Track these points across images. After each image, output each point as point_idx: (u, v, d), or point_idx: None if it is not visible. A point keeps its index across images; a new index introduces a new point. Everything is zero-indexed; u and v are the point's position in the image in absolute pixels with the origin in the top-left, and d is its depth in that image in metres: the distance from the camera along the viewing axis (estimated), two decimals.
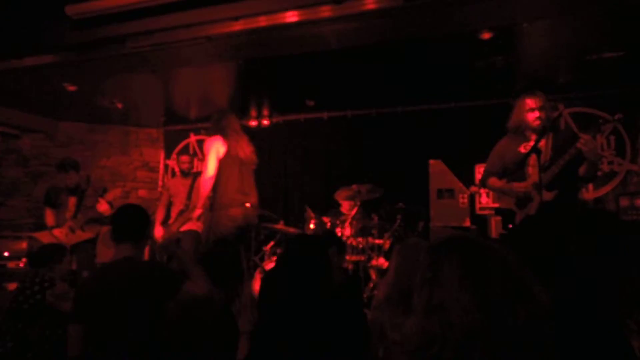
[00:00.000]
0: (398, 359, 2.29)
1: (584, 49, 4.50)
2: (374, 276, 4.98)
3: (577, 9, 3.71)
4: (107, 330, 2.27)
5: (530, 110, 3.58)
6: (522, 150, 3.58)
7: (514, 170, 3.57)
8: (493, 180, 3.79)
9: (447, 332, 0.99)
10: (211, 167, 4.45)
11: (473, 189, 5.42)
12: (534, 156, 3.34)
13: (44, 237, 4.77)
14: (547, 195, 3.30)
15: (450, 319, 1.00)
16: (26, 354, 3.03)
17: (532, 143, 3.48)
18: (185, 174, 5.70)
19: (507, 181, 3.67)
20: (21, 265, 5.57)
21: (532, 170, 3.46)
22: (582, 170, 3.29)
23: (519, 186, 3.53)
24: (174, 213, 5.47)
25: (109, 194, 5.10)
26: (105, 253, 5.85)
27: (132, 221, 2.53)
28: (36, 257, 3.46)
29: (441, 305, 1.02)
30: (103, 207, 4.98)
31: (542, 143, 3.44)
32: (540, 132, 3.53)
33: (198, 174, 6.36)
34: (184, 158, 5.82)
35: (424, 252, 1.18)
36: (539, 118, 3.54)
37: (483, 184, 3.92)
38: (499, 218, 4.55)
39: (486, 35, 4.16)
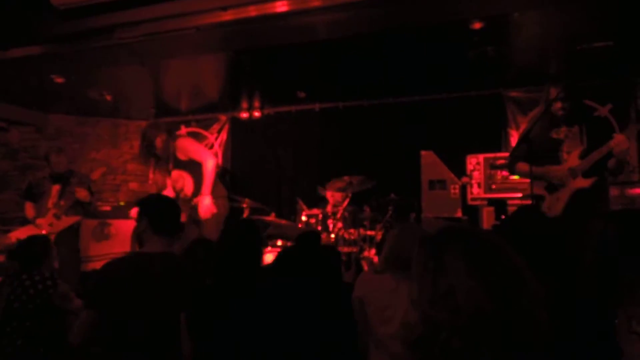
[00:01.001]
0: (391, 352, 2.30)
1: (574, 38, 4.50)
2: (366, 267, 4.98)
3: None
4: (126, 322, 2.19)
5: (555, 100, 3.58)
6: (554, 135, 3.61)
7: (542, 155, 3.59)
8: (522, 165, 3.75)
9: (455, 319, 1.01)
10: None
11: (464, 179, 5.43)
12: (567, 142, 3.43)
13: (24, 233, 4.64)
14: (582, 182, 3.37)
15: (458, 306, 1.01)
16: (37, 349, 3.01)
17: (564, 128, 3.54)
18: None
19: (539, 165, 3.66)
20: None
21: (566, 156, 3.52)
22: (610, 163, 3.37)
23: (555, 170, 3.54)
24: None
25: (94, 173, 5.08)
26: (94, 247, 5.81)
27: (175, 216, 2.47)
28: (28, 256, 3.31)
29: (448, 292, 1.04)
30: (82, 193, 4.93)
31: (576, 130, 3.50)
32: (567, 121, 3.56)
33: None
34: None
35: (421, 242, 1.20)
36: (562, 108, 3.56)
37: (511, 169, 3.91)
38: (491, 209, 4.57)
39: (477, 25, 4.14)
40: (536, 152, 3.65)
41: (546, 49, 4.83)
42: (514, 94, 5.97)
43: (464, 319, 1.01)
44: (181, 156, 4.80)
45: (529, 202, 3.59)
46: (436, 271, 1.09)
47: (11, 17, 4.40)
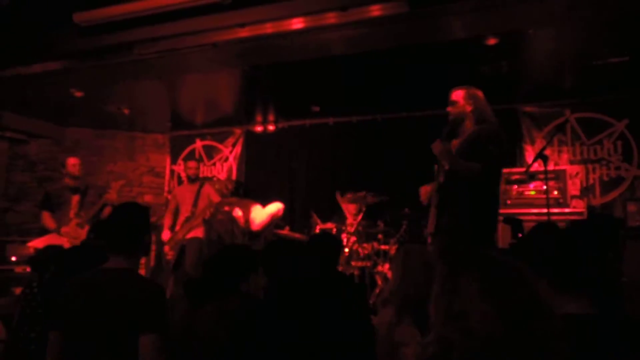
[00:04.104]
0: None
1: (589, 54, 4.49)
2: (379, 282, 4.97)
3: (582, 16, 3.70)
4: (82, 344, 2.02)
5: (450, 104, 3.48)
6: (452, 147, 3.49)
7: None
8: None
9: (466, 340, 1.02)
10: None
11: None
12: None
13: (42, 243, 4.70)
14: (434, 199, 3.24)
15: (471, 328, 1.02)
16: None
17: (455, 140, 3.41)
18: (192, 180, 5.70)
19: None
20: (28, 270, 5.59)
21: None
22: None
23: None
24: (180, 219, 5.48)
25: (113, 185, 5.14)
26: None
27: (126, 229, 2.18)
28: (41, 263, 3.42)
29: (461, 314, 1.05)
30: (112, 195, 5.01)
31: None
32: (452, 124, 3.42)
33: (205, 179, 6.42)
34: (191, 164, 5.82)
35: (441, 263, 1.22)
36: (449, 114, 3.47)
37: None
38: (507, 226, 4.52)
39: (492, 41, 4.16)
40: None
41: (561, 64, 4.82)
42: (528, 109, 5.95)
43: (476, 341, 1.01)
44: None
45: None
46: (451, 293, 1.10)
47: (34, 34, 4.51)
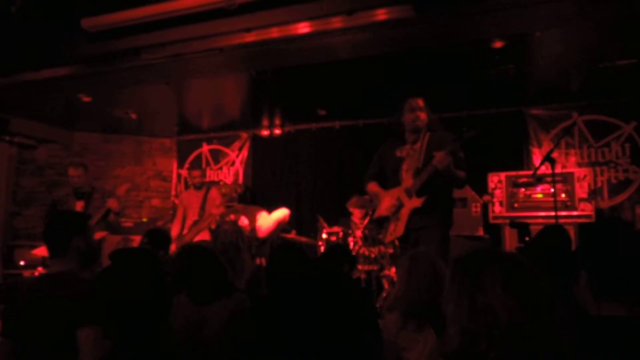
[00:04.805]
0: None
1: (597, 56, 4.48)
2: (386, 285, 4.96)
3: (589, 18, 3.68)
4: (30, 350, 2.15)
5: (410, 111, 3.52)
6: (398, 154, 3.54)
7: (391, 175, 3.55)
8: (371, 185, 3.69)
9: (494, 331, 1.13)
10: None
11: (486, 197, 5.39)
12: (407, 161, 3.42)
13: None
14: (416, 202, 3.29)
15: (498, 320, 1.13)
16: None
17: (407, 146, 3.50)
18: (197, 187, 5.78)
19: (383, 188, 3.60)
20: (36, 274, 5.63)
21: (405, 175, 3.43)
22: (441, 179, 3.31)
23: (394, 191, 3.47)
24: (188, 224, 5.52)
25: (119, 188, 5.15)
26: None
27: (54, 235, 2.33)
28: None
29: (487, 308, 1.15)
30: (113, 203, 5.01)
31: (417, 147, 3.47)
32: (416, 133, 3.50)
33: (211, 184, 6.44)
34: (195, 173, 5.96)
35: (455, 263, 1.32)
36: (416, 119, 3.50)
37: (365, 189, 3.83)
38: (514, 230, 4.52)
39: (498, 44, 4.15)
40: (384, 172, 3.60)
41: (568, 66, 4.80)
42: (535, 111, 5.93)
43: (504, 331, 1.12)
44: None
45: None
46: (473, 288, 1.20)
47: (43, 40, 4.55)
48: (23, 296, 2.28)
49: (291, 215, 6.41)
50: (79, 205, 5.14)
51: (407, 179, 3.38)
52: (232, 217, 5.47)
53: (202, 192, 5.65)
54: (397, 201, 3.42)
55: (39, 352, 2.13)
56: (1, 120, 6.20)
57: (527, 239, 3.48)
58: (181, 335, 2.55)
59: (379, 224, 4.22)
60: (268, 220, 5.42)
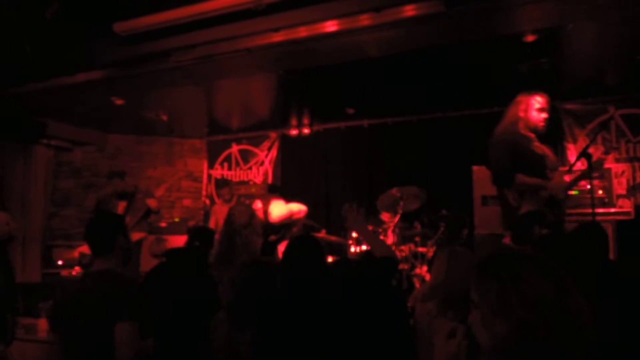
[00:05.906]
0: None
1: (632, 47, 4.32)
2: (417, 285, 4.90)
3: (624, 8, 3.56)
4: (77, 344, 2.26)
5: (540, 110, 3.43)
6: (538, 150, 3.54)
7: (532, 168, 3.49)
8: (522, 177, 3.50)
9: (547, 319, 1.22)
10: None
11: None
12: (549, 159, 3.49)
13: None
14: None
15: (548, 308, 1.23)
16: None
17: (544, 145, 3.52)
18: (227, 200, 6.30)
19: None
20: (74, 273, 5.78)
21: (550, 173, 3.45)
22: None
23: (552, 184, 3.43)
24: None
25: (158, 189, 5.30)
26: (148, 263, 6.02)
27: (100, 235, 2.45)
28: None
29: (538, 301, 1.24)
30: (153, 203, 5.15)
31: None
32: (540, 135, 3.49)
33: (240, 184, 6.58)
34: (223, 191, 6.58)
35: (481, 267, 1.41)
36: (546, 120, 3.49)
37: (509, 183, 3.60)
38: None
39: (530, 38, 4.06)
40: (525, 165, 3.50)
41: (603, 59, 4.67)
42: (570, 106, 5.77)
43: (556, 318, 1.22)
44: None
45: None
46: (517, 284, 1.28)
47: (77, 45, 4.66)
48: (70, 293, 2.42)
49: (321, 215, 6.41)
50: (121, 206, 5.28)
51: (558, 177, 3.50)
52: (247, 201, 5.57)
53: (232, 204, 5.74)
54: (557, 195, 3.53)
55: (85, 346, 2.24)
56: (39, 125, 6.39)
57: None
58: (221, 352, 2.48)
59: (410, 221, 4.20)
60: (281, 207, 5.41)
